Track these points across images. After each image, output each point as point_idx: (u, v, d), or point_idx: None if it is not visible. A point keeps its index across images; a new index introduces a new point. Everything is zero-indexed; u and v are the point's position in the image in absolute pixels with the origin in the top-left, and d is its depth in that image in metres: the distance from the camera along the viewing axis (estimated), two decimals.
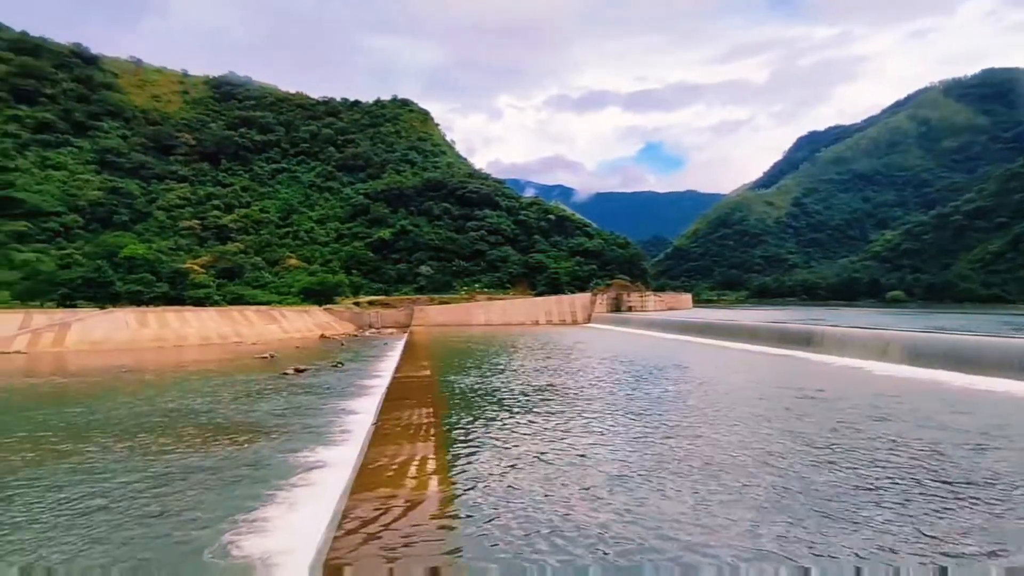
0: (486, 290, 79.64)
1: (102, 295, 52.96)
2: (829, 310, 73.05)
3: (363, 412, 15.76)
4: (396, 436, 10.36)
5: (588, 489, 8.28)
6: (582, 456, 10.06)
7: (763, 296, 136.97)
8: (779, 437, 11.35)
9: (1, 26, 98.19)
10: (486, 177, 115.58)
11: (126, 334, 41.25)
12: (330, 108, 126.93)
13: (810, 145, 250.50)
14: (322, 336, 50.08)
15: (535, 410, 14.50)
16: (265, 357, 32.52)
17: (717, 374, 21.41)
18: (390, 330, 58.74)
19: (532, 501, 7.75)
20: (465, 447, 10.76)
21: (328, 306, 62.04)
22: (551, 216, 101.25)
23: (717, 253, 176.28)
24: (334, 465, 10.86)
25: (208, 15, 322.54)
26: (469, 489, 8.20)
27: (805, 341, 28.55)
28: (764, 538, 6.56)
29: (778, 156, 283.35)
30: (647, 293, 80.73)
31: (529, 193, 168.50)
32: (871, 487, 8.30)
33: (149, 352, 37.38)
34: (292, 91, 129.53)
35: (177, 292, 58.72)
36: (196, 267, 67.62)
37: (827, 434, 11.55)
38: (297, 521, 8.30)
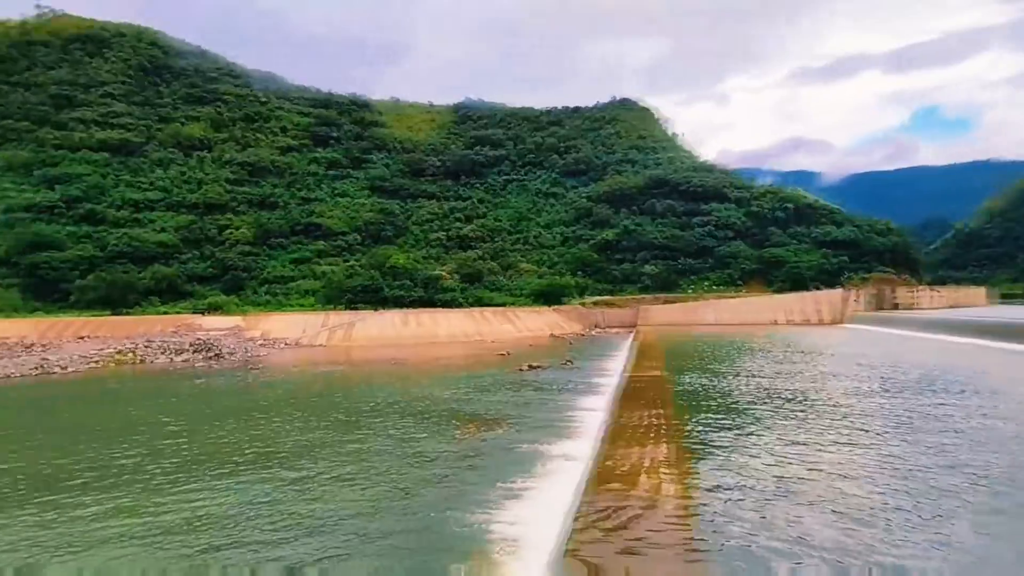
0: (715, 288, 75.06)
1: (375, 299, 63.63)
2: None
3: (595, 409, 16.10)
4: (629, 436, 10.33)
5: (838, 517, 7.20)
6: (833, 476, 8.79)
7: None
8: None
9: (307, 88, 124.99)
10: (712, 169, 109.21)
11: (393, 332, 48.71)
12: (553, 118, 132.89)
13: None
14: (552, 335, 52.59)
15: (777, 418, 13.13)
16: (503, 354, 35.35)
17: None
18: (616, 330, 59.08)
19: (774, 518, 7.03)
20: (702, 451, 10.23)
21: (557, 306, 64.96)
22: (789, 204, 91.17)
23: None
24: (569, 459, 11.30)
25: (449, 49, 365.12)
26: (707, 495, 7.77)
27: None
28: None
29: None
30: (920, 287, 67.50)
31: (765, 181, 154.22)
32: None
33: (409, 347, 43.51)
34: (519, 106, 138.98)
35: (430, 295, 67.54)
36: (444, 273, 76.67)
37: None
38: (535, 511, 8.79)
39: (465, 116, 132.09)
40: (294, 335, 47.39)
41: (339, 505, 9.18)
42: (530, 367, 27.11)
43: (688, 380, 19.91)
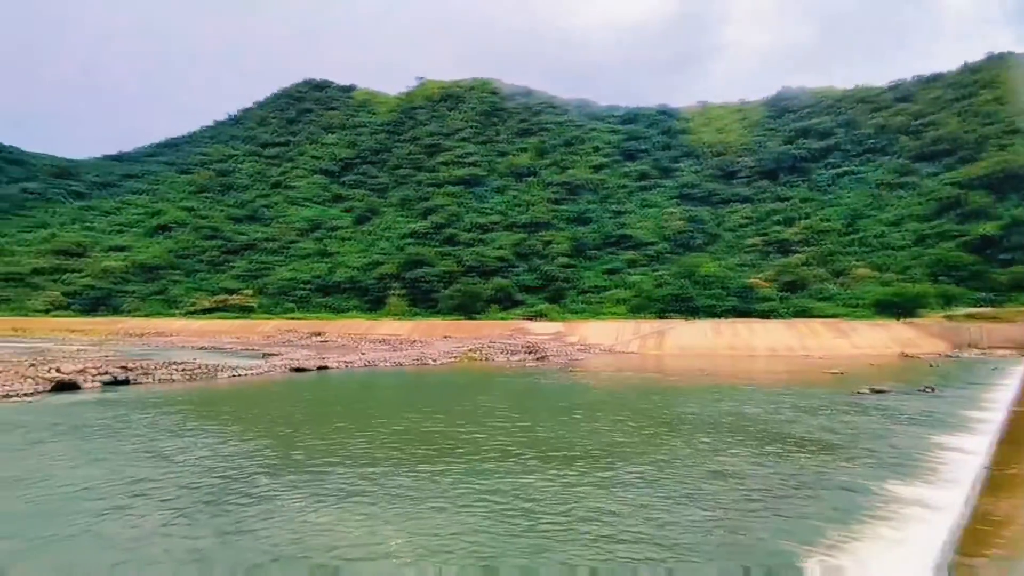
0: None
1: (685, 308, 62.72)
2: None
3: (966, 450, 12.80)
4: (1023, 488, 7.92)
5: None
6: None
7: None
8: None
9: (616, 107, 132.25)
10: None
11: (704, 342, 47.21)
12: (899, 93, 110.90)
13: None
14: (903, 354, 43.63)
15: None
16: (834, 373, 30.87)
17: None
18: (1002, 351, 45.65)
19: None
20: None
21: (909, 320, 53.62)
22: None
23: None
24: (927, 508, 9.22)
25: (757, 42, 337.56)
26: None
27: None
28: None
29: None
30: None
31: None
32: None
33: (721, 359, 41.48)
34: (850, 87, 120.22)
35: (745, 305, 63.25)
36: (760, 282, 70.79)
37: None
38: (882, 560, 7.43)
39: (782, 109, 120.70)
40: (608, 341, 50.06)
41: (643, 512, 9.34)
42: (872, 391, 23.00)
43: None
